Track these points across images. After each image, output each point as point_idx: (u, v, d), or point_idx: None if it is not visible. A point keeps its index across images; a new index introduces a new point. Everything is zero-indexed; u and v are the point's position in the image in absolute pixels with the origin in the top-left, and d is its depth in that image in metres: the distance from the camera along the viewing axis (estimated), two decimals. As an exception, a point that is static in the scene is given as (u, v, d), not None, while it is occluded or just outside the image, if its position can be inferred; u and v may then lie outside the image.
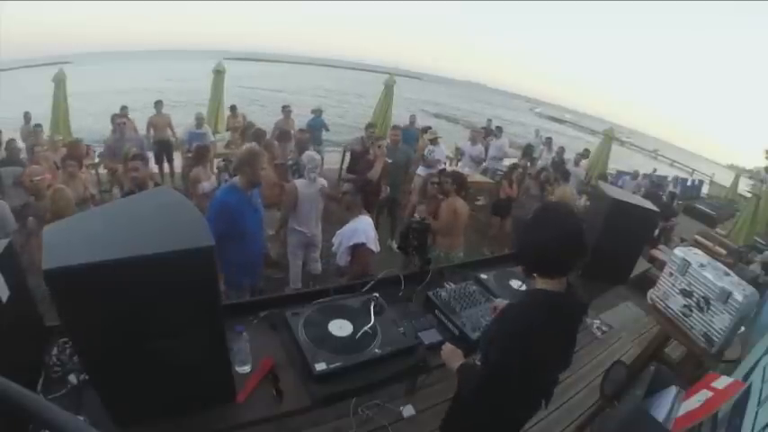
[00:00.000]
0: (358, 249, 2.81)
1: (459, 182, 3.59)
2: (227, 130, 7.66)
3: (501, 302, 2.01)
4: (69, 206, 3.10)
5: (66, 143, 5.94)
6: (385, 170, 4.45)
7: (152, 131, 6.68)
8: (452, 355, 1.54)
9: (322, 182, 3.67)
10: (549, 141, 9.17)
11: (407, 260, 2.37)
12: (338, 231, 2.95)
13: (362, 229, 2.84)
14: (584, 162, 8.45)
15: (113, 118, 5.96)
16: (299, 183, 3.55)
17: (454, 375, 1.48)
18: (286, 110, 7.13)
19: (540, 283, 1.31)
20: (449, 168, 6.43)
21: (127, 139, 5.36)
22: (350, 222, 2.90)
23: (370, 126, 6.33)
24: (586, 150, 8.84)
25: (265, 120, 8.41)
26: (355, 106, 22.38)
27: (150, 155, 6.52)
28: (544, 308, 1.27)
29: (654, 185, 9.59)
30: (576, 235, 1.25)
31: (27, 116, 6.83)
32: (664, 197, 7.30)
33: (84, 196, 3.92)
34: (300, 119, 7.72)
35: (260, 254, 2.84)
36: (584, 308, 1.49)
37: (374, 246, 2.88)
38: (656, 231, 6.68)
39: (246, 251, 2.58)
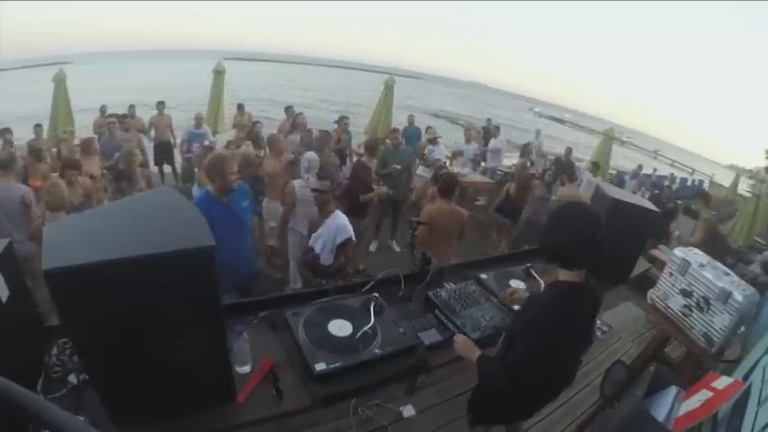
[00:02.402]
0: (345, 245, 2.83)
1: (446, 184, 3.19)
2: (234, 127, 7.66)
3: (518, 285, 2.01)
4: (63, 199, 3.09)
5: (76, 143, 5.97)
6: (367, 172, 4.43)
7: (153, 132, 6.70)
8: (468, 346, 1.62)
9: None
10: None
11: (411, 259, 2.36)
12: (314, 234, 2.90)
13: (344, 224, 2.85)
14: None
15: (108, 118, 6.00)
16: (296, 183, 3.56)
17: (473, 367, 1.55)
18: (290, 110, 7.14)
19: (563, 275, 1.43)
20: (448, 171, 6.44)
21: (120, 140, 5.36)
22: (328, 220, 2.85)
23: (343, 119, 6.33)
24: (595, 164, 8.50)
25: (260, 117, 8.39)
26: (355, 106, 22.39)
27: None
28: (567, 298, 1.40)
29: (654, 186, 9.60)
30: (591, 232, 1.38)
31: (103, 109, 7.07)
32: (662, 194, 7.30)
33: (83, 201, 3.89)
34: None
35: (245, 256, 2.74)
36: (600, 296, 1.59)
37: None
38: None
39: (225, 254, 2.47)
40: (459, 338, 1.67)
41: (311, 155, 3.78)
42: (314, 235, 2.90)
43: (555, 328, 1.35)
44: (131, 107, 6.91)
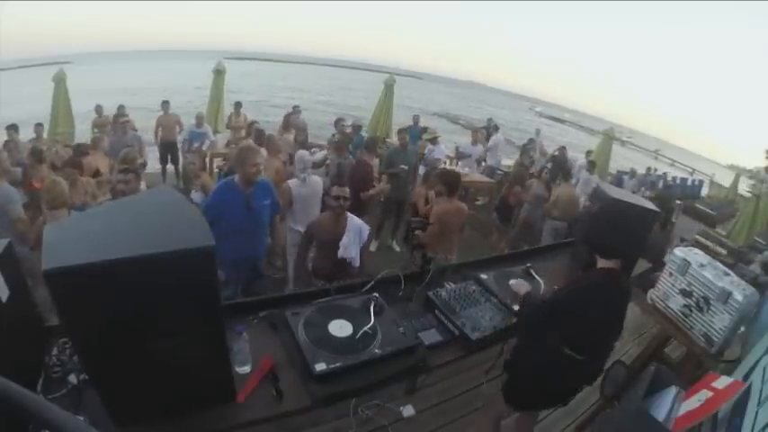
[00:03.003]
0: (364, 244, 2.90)
1: (451, 182, 3.30)
2: (228, 128, 7.66)
3: (521, 283, 2.13)
4: (63, 196, 3.05)
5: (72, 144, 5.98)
6: (368, 170, 4.45)
7: (159, 131, 6.67)
8: (522, 286, 1.98)
9: (316, 180, 3.69)
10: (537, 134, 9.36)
11: (410, 259, 2.36)
12: (342, 243, 2.84)
13: (361, 221, 2.88)
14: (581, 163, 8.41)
15: (116, 118, 6.00)
16: (292, 183, 3.59)
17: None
18: (296, 109, 7.16)
19: (601, 263, 1.64)
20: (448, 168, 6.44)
21: (131, 139, 5.39)
22: (347, 225, 2.83)
23: (340, 121, 6.33)
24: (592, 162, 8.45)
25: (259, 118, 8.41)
26: (356, 104, 22.29)
27: (150, 155, 6.56)
28: (600, 278, 1.63)
29: (653, 186, 9.62)
30: (635, 231, 1.73)
31: (98, 109, 7.06)
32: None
33: (84, 201, 3.88)
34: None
35: (255, 252, 2.78)
36: (630, 287, 1.80)
37: None
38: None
39: (236, 248, 2.54)
40: (522, 285, 2.01)
41: (303, 153, 3.78)
42: (342, 244, 2.82)
43: (571, 314, 1.58)
44: (120, 107, 6.85)
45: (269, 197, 2.77)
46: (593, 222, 1.77)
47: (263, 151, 4.51)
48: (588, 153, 9.19)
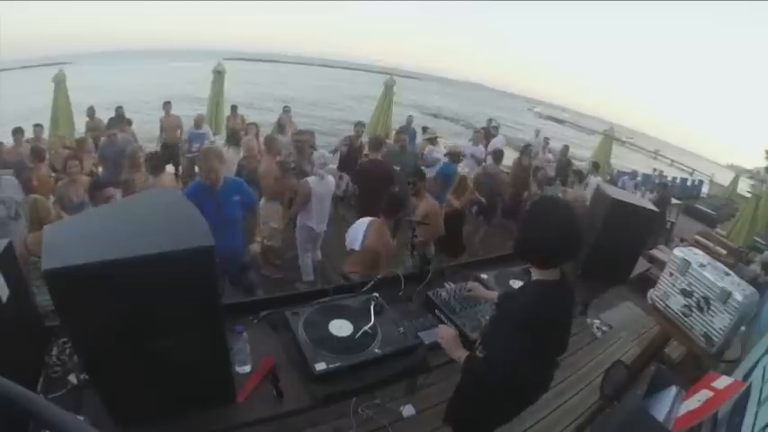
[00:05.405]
0: None
1: (418, 182, 3.42)
2: (226, 130, 7.63)
3: (476, 286, 1.99)
4: (48, 216, 2.96)
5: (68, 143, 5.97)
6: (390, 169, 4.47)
7: (163, 134, 6.61)
8: (453, 344, 1.56)
9: (331, 179, 3.77)
10: (546, 141, 9.23)
11: (411, 259, 2.37)
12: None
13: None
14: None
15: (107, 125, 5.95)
16: (311, 180, 3.66)
17: (458, 368, 1.51)
18: (285, 109, 7.13)
19: (536, 274, 1.39)
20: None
21: (122, 144, 5.35)
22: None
23: (359, 124, 6.31)
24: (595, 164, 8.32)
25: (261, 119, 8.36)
26: (356, 106, 22.18)
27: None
28: (540, 299, 1.33)
29: (657, 186, 9.61)
30: (570, 228, 1.30)
31: (90, 111, 6.92)
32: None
33: (84, 200, 3.87)
34: (300, 119, 7.67)
35: (231, 248, 2.79)
36: (574, 295, 1.50)
37: None
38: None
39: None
40: (444, 331, 1.61)
41: (322, 152, 3.89)
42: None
43: (542, 322, 1.30)
44: (119, 108, 6.75)
45: (238, 194, 2.80)
46: (522, 227, 1.42)
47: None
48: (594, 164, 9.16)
